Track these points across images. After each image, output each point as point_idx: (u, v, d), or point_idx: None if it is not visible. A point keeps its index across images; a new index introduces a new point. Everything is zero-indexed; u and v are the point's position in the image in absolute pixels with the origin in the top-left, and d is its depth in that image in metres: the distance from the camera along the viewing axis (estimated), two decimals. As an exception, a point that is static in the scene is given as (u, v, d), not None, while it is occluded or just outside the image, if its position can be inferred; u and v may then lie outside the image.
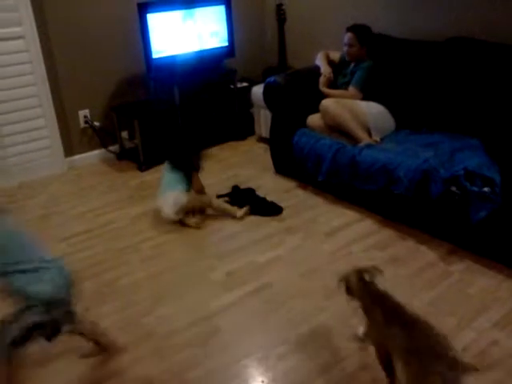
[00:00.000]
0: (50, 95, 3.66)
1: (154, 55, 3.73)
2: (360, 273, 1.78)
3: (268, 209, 3.11)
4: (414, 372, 1.48)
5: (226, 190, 3.32)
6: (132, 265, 2.67)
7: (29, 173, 3.71)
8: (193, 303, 2.35)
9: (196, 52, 3.97)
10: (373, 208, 3.01)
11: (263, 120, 4.14)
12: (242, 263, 2.63)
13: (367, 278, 1.77)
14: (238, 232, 2.92)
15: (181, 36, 3.86)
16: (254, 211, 3.09)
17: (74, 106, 3.82)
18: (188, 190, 3.04)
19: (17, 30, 3.42)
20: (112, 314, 2.30)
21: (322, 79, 3.45)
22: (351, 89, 3.31)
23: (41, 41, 3.52)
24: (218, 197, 3.21)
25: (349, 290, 1.81)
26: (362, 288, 1.76)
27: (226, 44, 4.12)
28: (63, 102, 3.77)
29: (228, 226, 2.99)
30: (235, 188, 3.32)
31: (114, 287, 2.49)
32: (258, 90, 4.03)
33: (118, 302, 2.38)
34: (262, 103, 3.68)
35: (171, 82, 3.85)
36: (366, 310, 1.77)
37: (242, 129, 4.33)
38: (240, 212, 3.03)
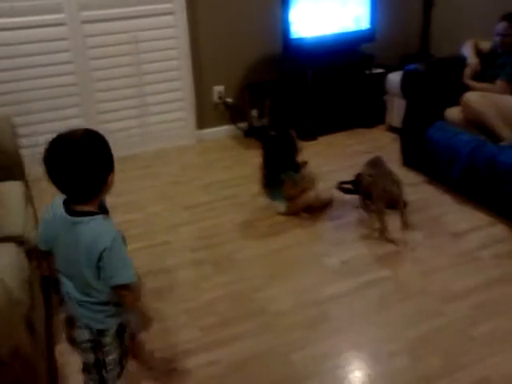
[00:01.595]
0: (190, 70, 3.84)
1: (292, 35, 3.73)
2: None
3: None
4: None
5: (349, 177, 3.25)
6: (249, 240, 2.74)
7: (164, 141, 3.94)
8: (305, 286, 2.35)
9: (334, 34, 3.89)
10: (507, 213, 2.76)
11: (396, 109, 3.97)
12: (359, 253, 2.57)
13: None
14: (359, 221, 2.85)
15: (320, 17, 3.80)
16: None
17: (210, 81, 3.97)
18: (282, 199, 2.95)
19: (168, 6, 3.62)
20: (226, 285, 2.38)
21: (467, 70, 3.21)
22: (500, 82, 3.03)
23: (188, 17, 3.68)
24: (341, 183, 3.15)
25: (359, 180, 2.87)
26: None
27: (367, 27, 3.98)
28: (201, 77, 3.93)
29: (349, 214, 2.93)
30: (359, 176, 3.22)
31: (229, 260, 2.57)
32: (394, 77, 3.86)
33: (232, 275, 2.45)
34: (397, 91, 3.53)
35: (305, 64, 3.84)
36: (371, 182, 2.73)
37: (371, 116, 4.20)
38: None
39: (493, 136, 2.87)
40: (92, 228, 1.35)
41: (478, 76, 3.20)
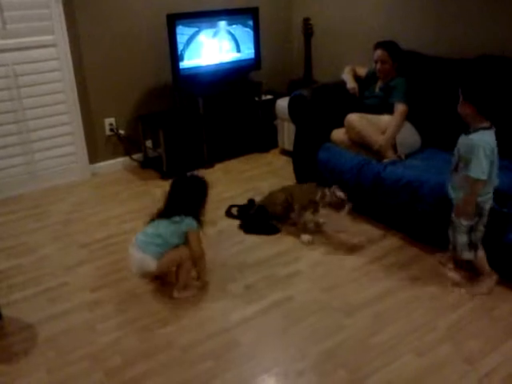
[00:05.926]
0: (77, 103, 3.72)
1: (181, 66, 3.78)
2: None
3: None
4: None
5: (243, 202, 3.31)
6: (152, 273, 2.67)
7: (54, 178, 3.76)
8: (211, 315, 2.33)
9: (222, 64, 4.01)
10: (395, 226, 2.97)
11: (286, 133, 4.14)
12: (262, 276, 2.61)
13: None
14: (259, 244, 2.90)
15: (208, 48, 3.90)
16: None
17: (100, 113, 3.88)
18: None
19: (49, 38, 3.50)
20: (132, 322, 2.30)
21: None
22: (400, 105, 3.14)
23: (71, 49, 3.58)
24: (231, 206, 3.20)
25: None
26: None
27: (253, 57, 4.14)
28: (90, 110, 3.82)
29: (249, 238, 2.98)
30: (250, 201, 3.28)
31: (132, 296, 2.49)
32: (282, 103, 4.03)
33: (137, 311, 2.38)
34: (286, 116, 3.67)
35: (196, 93, 3.88)
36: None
37: (265, 141, 4.33)
38: None
39: (377, 154, 3.08)
40: (476, 136, 2.22)
41: (356, 99, 3.43)
